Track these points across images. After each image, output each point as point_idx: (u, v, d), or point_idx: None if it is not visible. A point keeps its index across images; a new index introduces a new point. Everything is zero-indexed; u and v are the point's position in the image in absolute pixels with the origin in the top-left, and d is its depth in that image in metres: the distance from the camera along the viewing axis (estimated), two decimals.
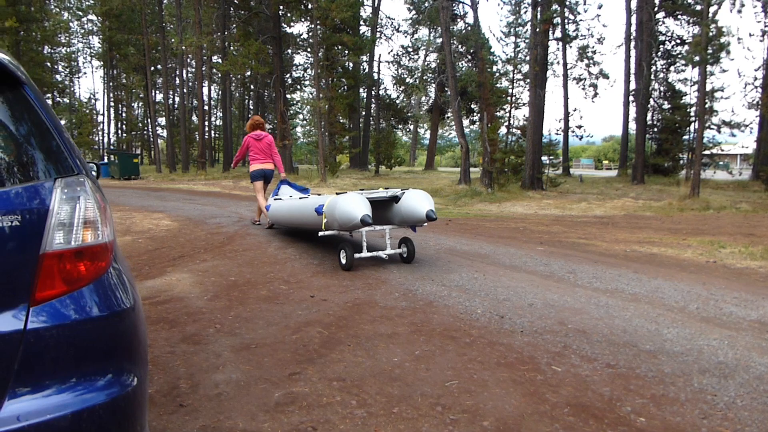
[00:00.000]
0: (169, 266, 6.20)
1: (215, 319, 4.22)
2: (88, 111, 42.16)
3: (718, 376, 3.22)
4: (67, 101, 54.08)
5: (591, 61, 28.38)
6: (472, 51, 30.42)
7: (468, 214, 12.71)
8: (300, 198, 7.65)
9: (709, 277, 5.86)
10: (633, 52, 27.22)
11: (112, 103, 56.94)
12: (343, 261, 5.91)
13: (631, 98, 28.47)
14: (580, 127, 33.74)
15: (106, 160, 32.23)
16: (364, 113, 40.66)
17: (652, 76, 25.63)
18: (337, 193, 6.19)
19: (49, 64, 46.06)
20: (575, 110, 34.01)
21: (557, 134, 34.36)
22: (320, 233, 6.16)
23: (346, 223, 5.68)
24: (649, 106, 27.54)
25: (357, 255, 6.04)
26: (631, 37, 27.83)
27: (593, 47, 34.38)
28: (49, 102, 46.52)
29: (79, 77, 59.74)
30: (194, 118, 47.31)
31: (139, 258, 6.78)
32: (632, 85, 27.23)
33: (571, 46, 31.36)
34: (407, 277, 5.54)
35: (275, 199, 8.61)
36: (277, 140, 29.83)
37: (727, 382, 3.14)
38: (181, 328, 4.00)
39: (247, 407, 2.78)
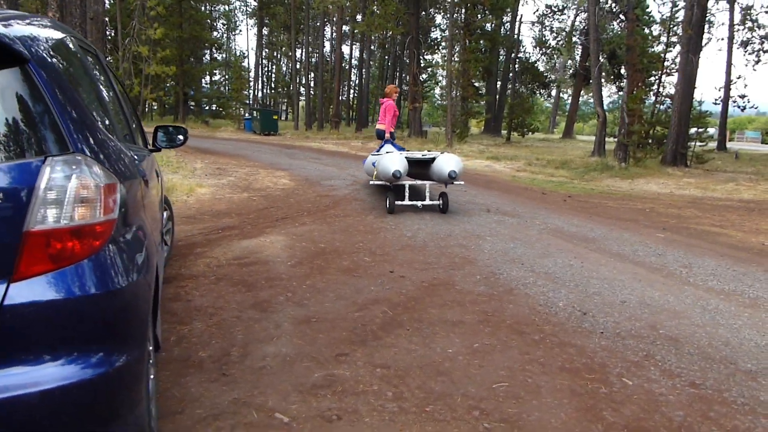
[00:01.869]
0: (270, 227, 6.41)
1: (290, 286, 4.28)
2: (240, 67, 44.57)
3: None
4: (225, 56, 57.79)
5: (756, 24, 25.09)
6: (624, 10, 28.06)
7: (593, 191, 11.90)
8: (385, 153, 8.46)
9: None
10: None
11: (263, 61, 60.09)
12: (387, 205, 7.48)
13: None
14: (743, 96, 30.32)
15: (248, 116, 34.07)
16: (501, 77, 39.38)
17: None
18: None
19: (209, 21, 49.29)
20: (739, 77, 30.18)
21: (716, 104, 31.18)
22: (371, 182, 7.86)
23: (386, 175, 7.24)
24: None
25: (398, 202, 7.61)
26: None
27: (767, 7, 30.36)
28: (207, 58, 50.08)
29: (235, 34, 63.49)
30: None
31: (246, 216, 7.09)
32: None
33: (741, 6, 27.96)
34: (496, 259, 5.27)
35: (372, 155, 9.26)
36: (408, 102, 29.90)
37: None
38: (256, 293, 4.11)
39: (283, 385, 2.77)
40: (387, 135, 9.70)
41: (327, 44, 50.24)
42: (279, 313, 3.74)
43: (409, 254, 5.37)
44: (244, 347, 3.20)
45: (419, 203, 7.71)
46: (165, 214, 4.45)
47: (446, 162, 7.40)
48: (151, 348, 2.19)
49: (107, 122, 2.32)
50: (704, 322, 3.85)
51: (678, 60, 20.02)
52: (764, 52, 29.54)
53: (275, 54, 61.58)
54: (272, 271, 4.66)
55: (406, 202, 7.66)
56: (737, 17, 28.42)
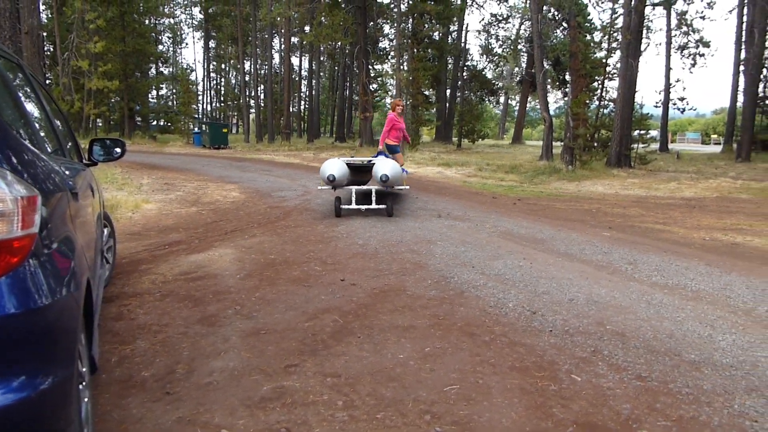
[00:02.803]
0: (219, 241, 6.29)
1: (239, 299, 4.19)
2: (187, 80, 43.85)
3: None
4: (172, 70, 56.71)
5: (690, 28, 26.18)
6: (567, 18, 28.88)
7: (541, 194, 12.14)
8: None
9: None
10: (746, 18, 24.83)
11: (211, 74, 59.25)
12: (335, 209, 7.94)
13: (741, 68, 26.09)
14: (682, 99, 31.52)
15: (197, 130, 33.51)
16: (450, 84, 39.89)
17: (766, 44, 23.19)
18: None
19: (153, 34, 48.30)
20: (677, 81, 31.38)
21: (657, 107, 32.30)
22: (318, 186, 8.33)
23: (324, 179, 7.73)
24: (761, 76, 25.15)
25: (345, 206, 8.00)
26: (744, 1, 25.36)
27: (702, 12, 31.73)
28: (153, 72, 49.01)
29: (181, 48, 62.52)
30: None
31: (195, 231, 6.94)
32: (743, 54, 24.91)
33: (677, 12, 29.12)
34: (447, 263, 5.30)
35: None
36: (358, 112, 29.98)
37: None
38: (203, 308, 4.00)
39: (231, 400, 2.69)
40: (380, 146, 10.09)
41: (276, 55, 49.97)
42: (227, 326, 3.65)
43: (360, 262, 5.34)
44: (190, 364, 3.10)
45: (363, 207, 8.14)
46: (105, 230, 4.30)
47: (381, 167, 7.80)
48: (84, 369, 2.08)
49: (30, 134, 2.22)
50: (649, 316, 3.94)
51: (619, 65, 20.68)
52: (700, 55, 30.87)
53: (223, 66, 60.93)
54: (221, 285, 4.55)
55: (353, 206, 8.10)
56: (674, 22, 29.62)
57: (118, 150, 3.85)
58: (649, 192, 12.71)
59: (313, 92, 44.82)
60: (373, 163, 8.27)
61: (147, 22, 43.83)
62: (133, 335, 3.49)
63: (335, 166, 7.84)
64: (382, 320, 3.76)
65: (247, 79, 46.02)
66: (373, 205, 8.11)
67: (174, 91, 50.87)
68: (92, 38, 22.88)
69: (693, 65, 29.28)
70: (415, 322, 3.73)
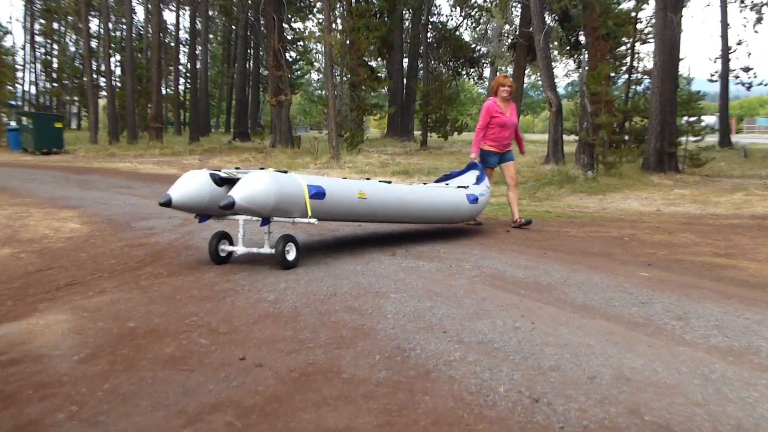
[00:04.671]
0: (46, 300, 6.17)
1: (77, 394, 4.09)
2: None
3: None
4: None
5: None
6: None
7: (548, 214, 12.36)
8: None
9: None
10: None
11: (36, 38, 58.38)
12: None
13: None
14: (747, 69, 32.81)
15: (14, 125, 32.81)
16: (409, 52, 40.56)
17: None
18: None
19: None
20: (739, 44, 32.73)
21: (712, 81, 33.53)
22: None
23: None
24: None
25: (230, 248, 7.74)
26: None
27: None
28: None
29: None
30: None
31: (6, 285, 6.78)
32: None
33: None
34: (405, 327, 5.31)
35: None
36: (269, 94, 30.02)
37: None
38: (18, 410, 3.88)
39: None
40: (473, 153, 10.72)
41: (139, 8, 49.73)
42: None
43: (270, 328, 5.30)
44: None
45: (237, 250, 7.66)
46: None
47: (239, 185, 7.11)
48: None
49: None
50: (706, 399, 4.02)
51: (654, 21, 21.41)
52: (766, 5, 32.25)
53: (56, 26, 60.13)
54: (48, 372, 4.44)
55: (240, 248, 7.60)
56: None
57: None
58: (705, 208, 13.12)
59: (199, 65, 44.65)
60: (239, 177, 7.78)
61: None
62: None
63: (182, 183, 7.44)
64: (303, 421, 3.73)
65: (93, 45, 45.55)
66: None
67: None
68: None
69: (759, 20, 30.46)
70: (354, 423, 3.71)
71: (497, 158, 10.85)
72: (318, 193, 7.53)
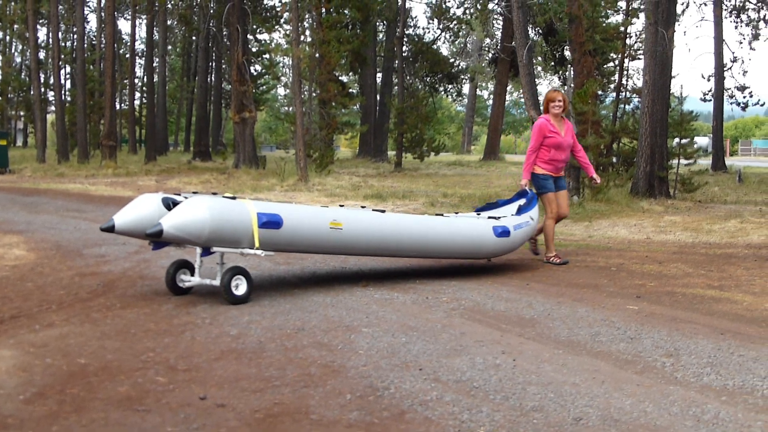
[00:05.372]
0: None
1: None
2: None
3: None
4: None
5: None
6: None
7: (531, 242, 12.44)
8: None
9: None
10: None
11: None
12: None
13: None
14: (743, 88, 33.16)
15: None
16: (383, 66, 40.74)
17: None
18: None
19: None
20: (734, 61, 33.12)
21: (705, 100, 33.86)
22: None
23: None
24: None
25: (185, 278, 7.66)
26: None
27: None
28: None
29: None
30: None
31: None
32: None
33: None
34: (379, 364, 5.33)
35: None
36: (232, 110, 30.02)
37: None
38: None
39: None
40: (524, 178, 10.27)
41: (92, 17, 49.62)
42: None
43: (233, 366, 5.29)
44: None
45: (191, 281, 7.60)
46: None
47: (173, 212, 7.10)
48: None
49: None
50: None
51: (644, 36, 21.67)
52: (765, 21, 32.73)
53: (1, 36, 59.81)
54: None
55: (195, 279, 7.52)
56: None
57: None
58: (698, 237, 13.24)
59: (156, 78, 44.59)
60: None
61: None
62: None
63: (136, 207, 7.45)
64: None
65: (41, 56, 45.36)
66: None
67: None
68: None
69: (755, 37, 30.94)
70: None
71: (553, 183, 10.27)
72: (271, 222, 7.30)
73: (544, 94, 10.34)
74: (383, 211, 8.83)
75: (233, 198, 7.52)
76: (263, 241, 7.22)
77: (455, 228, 9.05)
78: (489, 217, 9.70)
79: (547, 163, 10.04)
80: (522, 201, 10.20)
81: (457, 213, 9.38)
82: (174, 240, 7.14)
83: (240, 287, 7.20)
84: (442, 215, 9.85)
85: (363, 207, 9.23)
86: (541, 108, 10.91)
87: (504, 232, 9.16)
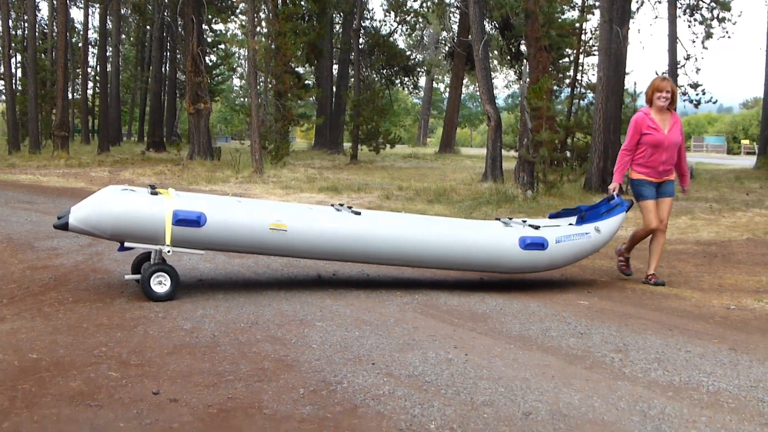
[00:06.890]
0: None
1: None
2: None
3: None
4: None
5: None
6: None
7: None
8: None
9: None
10: None
11: None
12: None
13: None
14: (696, 85, 33.47)
15: None
16: (339, 58, 40.63)
17: None
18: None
19: None
20: (687, 59, 33.30)
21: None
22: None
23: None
24: None
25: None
26: None
27: None
28: None
29: None
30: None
31: None
32: None
33: None
34: (332, 358, 5.37)
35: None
36: (186, 101, 29.80)
37: None
38: None
39: None
40: (615, 180, 8.84)
41: (44, 5, 48.87)
42: None
43: (187, 360, 5.30)
44: None
45: (126, 276, 7.68)
46: None
47: (82, 203, 7.11)
48: None
49: None
50: None
51: (599, 33, 21.87)
52: (719, 21, 33.07)
53: None
54: None
55: (129, 275, 7.65)
56: None
57: None
58: None
59: (109, 68, 44.07)
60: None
61: None
62: None
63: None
64: None
65: None
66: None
67: None
68: None
69: (708, 36, 31.30)
70: None
71: (653, 189, 8.68)
72: (188, 220, 6.94)
73: (650, 81, 8.69)
74: (359, 213, 7.83)
75: (155, 193, 7.24)
76: (181, 240, 7.01)
77: (467, 237, 7.89)
78: (528, 225, 8.32)
79: (643, 165, 8.62)
80: (602, 209, 8.74)
81: (524, 221, 8.29)
82: (81, 232, 7.05)
83: (163, 285, 7.06)
84: (498, 220, 8.75)
85: (341, 205, 8.09)
86: (644, 98, 9.03)
87: (535, 244, 7.79)
